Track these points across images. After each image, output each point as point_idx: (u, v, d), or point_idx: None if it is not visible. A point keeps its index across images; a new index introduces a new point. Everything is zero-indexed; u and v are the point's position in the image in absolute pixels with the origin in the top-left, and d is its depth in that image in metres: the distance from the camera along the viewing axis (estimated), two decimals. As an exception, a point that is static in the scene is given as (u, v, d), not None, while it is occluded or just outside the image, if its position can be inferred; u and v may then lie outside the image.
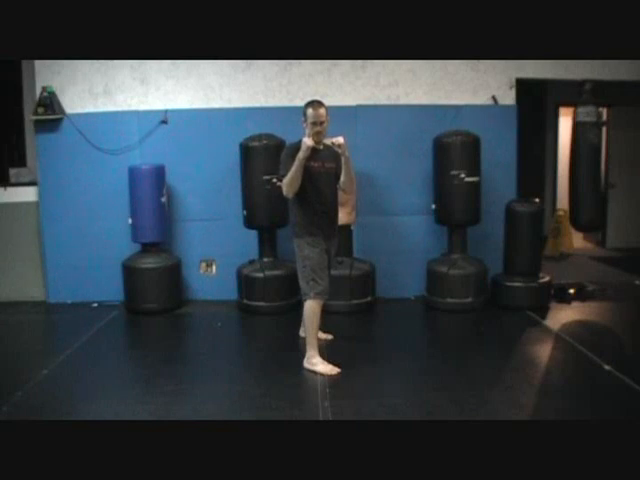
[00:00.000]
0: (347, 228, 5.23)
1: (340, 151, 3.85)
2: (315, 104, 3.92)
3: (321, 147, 3.94)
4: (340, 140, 3.80)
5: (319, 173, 3.93)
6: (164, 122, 5.53)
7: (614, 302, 5.56)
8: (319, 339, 4.09)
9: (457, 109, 5.55)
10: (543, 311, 5.18)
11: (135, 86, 5.57)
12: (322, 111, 3.87)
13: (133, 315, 5.32)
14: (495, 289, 5.40)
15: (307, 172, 3.85)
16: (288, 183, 3.83)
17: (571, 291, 5.54)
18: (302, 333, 4.42)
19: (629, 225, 7.89)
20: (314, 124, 3.85)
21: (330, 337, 4.46)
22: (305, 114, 3.90)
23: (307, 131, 3.89)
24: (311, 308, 3.96)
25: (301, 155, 3.74)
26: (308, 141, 3.76)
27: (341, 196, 4.57)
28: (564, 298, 5.45)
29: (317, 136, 3.86)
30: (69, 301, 5.65)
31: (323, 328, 4.34)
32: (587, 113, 5.42)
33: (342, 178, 3.99)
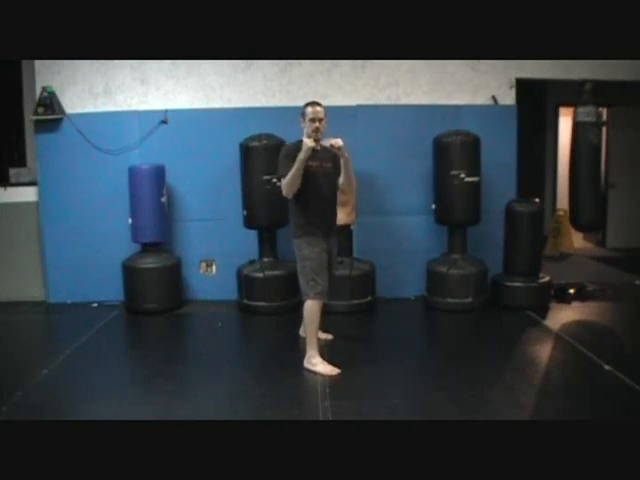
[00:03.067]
0: (347, 228, 5.23)
1: (340, 153, 3.88)
2: (313, 103, 3.99)
3: (319, 147, 3.96)
4: (339, 142, 3.83)
5: (317, 173, 3.94)
6: (164, 122, 5.53)
7: (614, 302, 5.55)
8: (319, 339, 4.10)
9: (455, 109, 5.55)
10: (543, 311, 5.17)
11: (135, 86, 5.57)
12: (320, 109, 3.93)
13: (133, 315, 5.32)
14: (495, 289, 5.40)
15: (305, 172, 3.86)
16: (288, 184, 3.85)
17: (571, 291, 5.54)
18: (302, 333, 4.43)
19: (629, 225, 7.89)
20: (312, 120, 3.89)
21: (330, 337, 4.46)
22: (304, 114, 3.95)
23: (306, 130, 3.93)
24: (311, 308, 3.96)
25: (302, 156, 3.76)
26: (309, 142, 3.79)
27: (341, 196, 4.57)
28: (564, 298, 5.45)
29: (316, 133, 3.89)
30: (69, 301, 5.65)
31: (323, 328, 4.34)
32: (587, 113, 5.42)
33: (341, 179, 4.01)
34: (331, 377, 3.79)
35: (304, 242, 3.96)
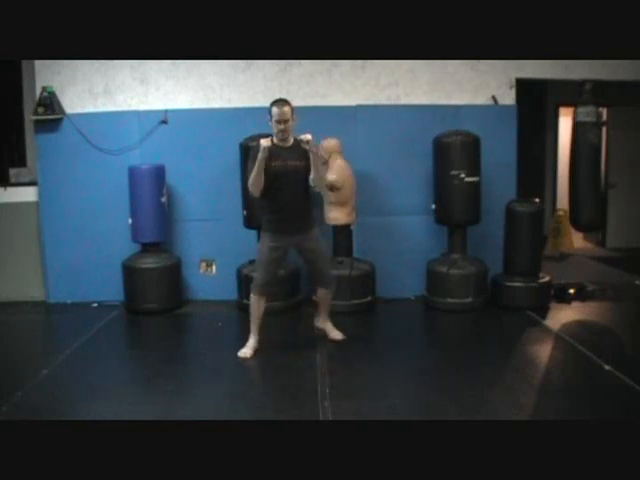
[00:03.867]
0: (347, 228, 5.23)
1: (307, 147, 3.90)
2: (279, 103, 3.98)
3: (289, 144, 4.01)
4: (307, 137, 3.87)
5: (280, 172, 3.97)
6: (164, 122, 5.53)
7: (614, 302, 5.55)
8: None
9: (455, 109, 5.55)
10: (543, 311, 5.17)
11: (135, 86, 5.57)
12: (286, 109, 3.94)
13: (133, 315, 5.32)
14: (495, 289, 5.40)
15: (269, 171, 3.93)
16: (251, 183, 3.96)
17: (571, 291, 5.54)
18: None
19: (629, 225, 7.89)
20: (278, 122, 3.94)
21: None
22: (270, 113, 3.96)
23: (273, 129, 3.98)
24: (250, 299, 4.25)
25: (260, 156, 3.85)
26: (264, 142, 3.85)
27: (340, 196, 4.58)
28: (564, 298, 5.45)
29: (281, 134, 3.95)
30: (69, 301, 5.65)
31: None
32: (587, 113, 5.42)
33: (311, 174, 4.01)
34: (331, 377, 3.79)
35: (261, 237, 4.19)
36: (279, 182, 3.98)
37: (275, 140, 3.98)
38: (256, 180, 3.91)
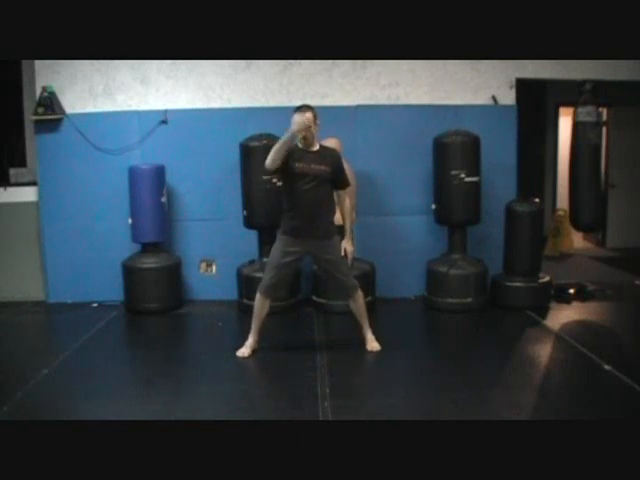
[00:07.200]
0: (347, 228, 5.22)
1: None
2: (302, 109, 3.97)
3: (314, 149, 4.00)
4: (349, 249, 4.21)
5: (302, 174, 3.95)
6: (164, 122, 5.53)
7: (614, 302, 5.55)
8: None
9: (455, 109, 5.54)
10: (543, 311, 5.17)
11: (135, 86, 5.57)
12: (309, 115, 3.93)
13: (133, 315, 5.32)
14: (495, 289, 5.40)
15: (290, 171, 3.92)
16: (270, 153, 3.91)
17: (571, 291, 5.54)
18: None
19: (629, 225, 7.89)
20: (299, 130, 3.92)
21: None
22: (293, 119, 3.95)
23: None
24: (255, 299, 4.24)
25: (294, 127, 3.86)
26: (295, 126, 3.88)
27: (337, 197, 4.58)
28: (564, 298, 5.45)
29: (303, 140, 3.96)
30: (69, 301, 5.65)
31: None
32: (587, 113, 5.42)
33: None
34: (331, 377, 3.78)
35: (277, 239, 4.16)
36: (300, 184, 3.95)
37: (300, 145, 3.99)
38: (275, 154, 3.87)
